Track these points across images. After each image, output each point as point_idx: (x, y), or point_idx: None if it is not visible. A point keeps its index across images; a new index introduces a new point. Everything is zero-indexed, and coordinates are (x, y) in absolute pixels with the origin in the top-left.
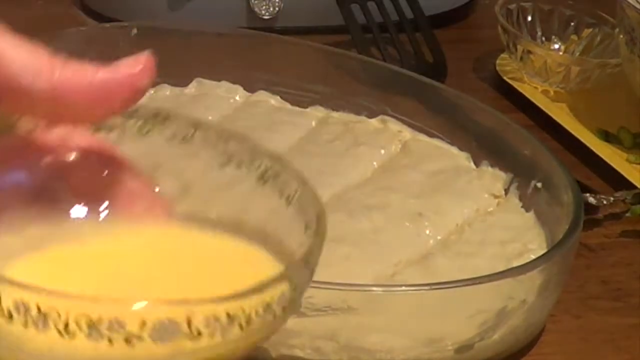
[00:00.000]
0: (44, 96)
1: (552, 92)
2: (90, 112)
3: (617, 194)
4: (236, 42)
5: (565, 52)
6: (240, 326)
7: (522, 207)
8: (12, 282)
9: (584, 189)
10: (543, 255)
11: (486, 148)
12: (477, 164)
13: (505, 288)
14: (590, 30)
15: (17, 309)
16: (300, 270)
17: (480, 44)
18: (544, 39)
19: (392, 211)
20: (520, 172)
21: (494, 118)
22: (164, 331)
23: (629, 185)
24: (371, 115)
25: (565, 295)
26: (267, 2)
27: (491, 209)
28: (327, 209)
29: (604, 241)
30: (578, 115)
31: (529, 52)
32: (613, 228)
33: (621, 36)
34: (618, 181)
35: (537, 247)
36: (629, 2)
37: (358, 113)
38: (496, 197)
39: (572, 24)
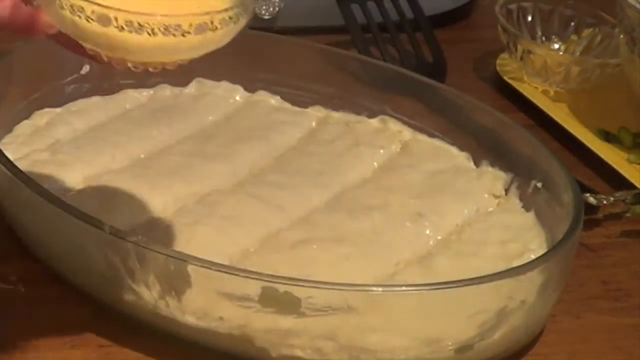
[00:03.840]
0: None
1: (552, 92)
2: None
3: (617, 194)
4: (236, 42)
5: (565, 52)
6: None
7: (522, 207)
8: None
9: (584, 189)
10: (543, 255)
11: (486, 148)
12: (477, 164)
13: (505, 288)
14: (590, 30)
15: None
16: None
17: (480, 44)
18: (544, 39)
19: (392, 211)
20: (520, 172)
21: (494, 118)
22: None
23: (629, 185)
24: (371, 115)
25: (565, 295)
26: (267, 2)
27: (491, 209)
28: (327, 210)
29: (604, 241)
30: (578, 115)
31: (529, 52)
32: (613, 228)
33: (621, 36)
34: (618, 181)
35: (537, 247)
36: (629, 2)
37: (358, 113)
38: (496, 197)
39: (572, 24)
